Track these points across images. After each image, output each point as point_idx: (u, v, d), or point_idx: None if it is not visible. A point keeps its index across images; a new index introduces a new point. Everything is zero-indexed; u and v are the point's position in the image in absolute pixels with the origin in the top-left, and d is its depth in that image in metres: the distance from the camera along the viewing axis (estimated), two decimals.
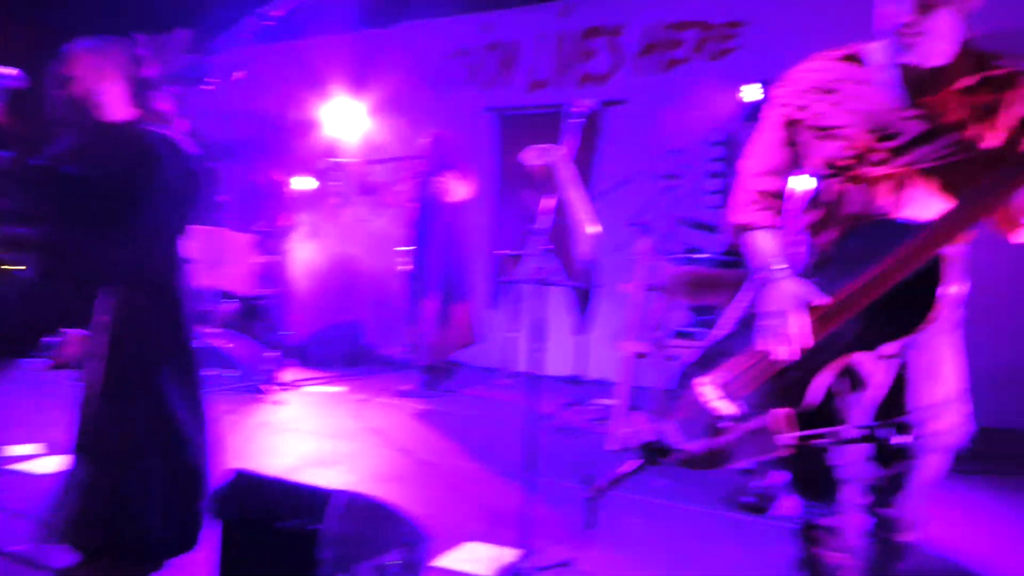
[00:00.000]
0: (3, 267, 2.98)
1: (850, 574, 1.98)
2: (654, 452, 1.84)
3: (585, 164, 6.37)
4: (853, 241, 1.78)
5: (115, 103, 2.30)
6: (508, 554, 2.72)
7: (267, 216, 6.64)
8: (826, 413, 1.81)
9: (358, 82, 7.03)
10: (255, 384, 5.39)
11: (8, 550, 2.48)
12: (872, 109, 1.76)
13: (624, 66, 6.35)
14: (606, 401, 5.20)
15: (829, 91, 1.81)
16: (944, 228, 1.62)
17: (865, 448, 1.86)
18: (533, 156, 2.35)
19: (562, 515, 3.11)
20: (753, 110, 5.37)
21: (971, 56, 1.72)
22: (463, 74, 7.14)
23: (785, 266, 1.85)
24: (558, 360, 6.37)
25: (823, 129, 1.81)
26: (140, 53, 2.38)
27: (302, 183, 7.04)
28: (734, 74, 5.68)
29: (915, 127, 1.72)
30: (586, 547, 2.83)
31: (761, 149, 1.93)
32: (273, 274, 6.38)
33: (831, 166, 1.80)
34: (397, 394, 5.53)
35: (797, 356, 1.79)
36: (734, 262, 4.26)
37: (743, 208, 1.94)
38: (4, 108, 2.64)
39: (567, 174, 2.37)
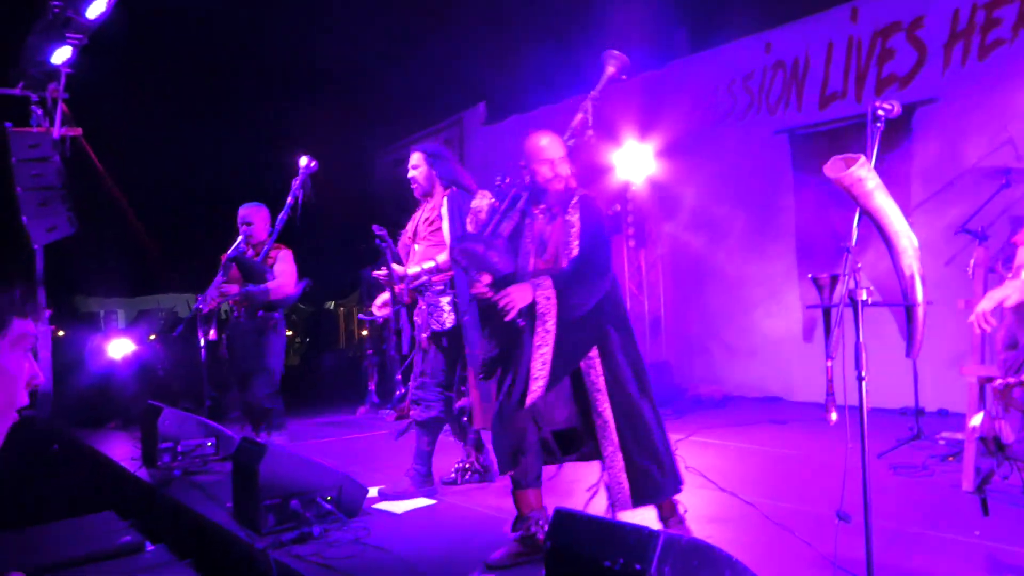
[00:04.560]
0: None
1: None
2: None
3: (902, 173, 5.81)
4: None
5: (565, 176, 3.09)
6: None
7: None
8: None
9: (644, 125, 7.08)
10: None
11: None
12: None
13: (930, 61, 5.74)
14: (950, 435, 4.63)
15: None
16: None
17: None
18: (835, 168, 2.20)
19: (907, 563, 2.79)
20: None
21: None
22: (746, 99, 6.93)
23: None
24: (888, 390, 5.80)
25: None
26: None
27: None
28: None
29: None
30: None
31: None
32: None
33: None
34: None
35: None
36: None
37: None
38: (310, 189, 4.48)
39: (874, 184, 2.18)
